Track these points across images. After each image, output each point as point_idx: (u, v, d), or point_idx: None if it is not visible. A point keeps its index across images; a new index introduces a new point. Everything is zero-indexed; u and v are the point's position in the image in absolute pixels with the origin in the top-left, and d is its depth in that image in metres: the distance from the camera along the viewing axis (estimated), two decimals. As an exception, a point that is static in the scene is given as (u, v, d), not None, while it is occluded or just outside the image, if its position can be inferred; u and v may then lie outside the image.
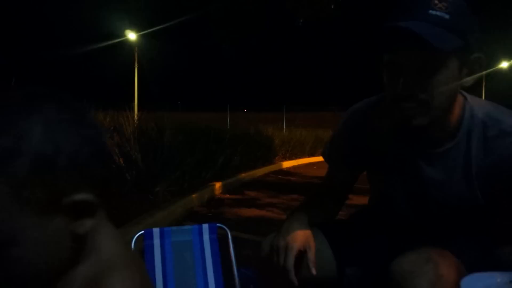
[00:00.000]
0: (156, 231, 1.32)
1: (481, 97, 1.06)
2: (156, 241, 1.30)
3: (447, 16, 0.80)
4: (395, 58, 0.85)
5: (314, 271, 0.96)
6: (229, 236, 1.36)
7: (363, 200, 1.22)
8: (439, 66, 0.82)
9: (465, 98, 0.96)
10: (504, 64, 25.43)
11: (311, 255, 0.98)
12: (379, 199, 1.13)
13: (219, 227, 1.39)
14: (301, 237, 0.99)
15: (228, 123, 12.65)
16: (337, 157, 1.14)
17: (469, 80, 0.89)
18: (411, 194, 1.00)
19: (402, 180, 1.00)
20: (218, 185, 5.15)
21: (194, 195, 4.28)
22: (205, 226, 1.38)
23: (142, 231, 1.30)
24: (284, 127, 14.38)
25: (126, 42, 17.00)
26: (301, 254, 0.98)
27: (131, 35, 16.98)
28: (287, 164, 9.82)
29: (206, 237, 1.36)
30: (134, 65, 16.54)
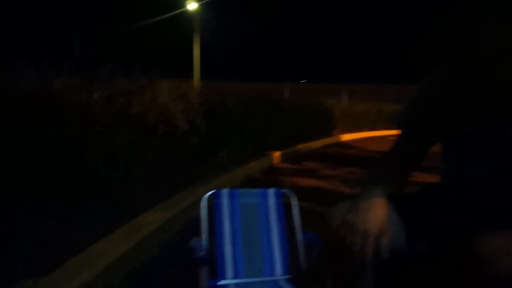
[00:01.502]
0: (225, 192, 1.39)
1: None
2: (225, 201, 1.37)
3: None
4: None
5: (387, 256, 0.96)
6: (294, 202, 1.39)
7: (427, 178, 1.18)
8: None
9: None
10: None
11: (385, 241, 0.97)
12: (456, 173, 1.08)
13: (284, 192, 1.43)
14: (379, 221, 0.98)
15: (288, 94, 12.57)
16: (415, 122, 1.10)
17: None
18: (494, 162, 0.95)
19: (486, 146, 0.96)
20: (276, 154, 5.22)
21: (253, 163, 4.39)
22: (271, 191, 1.42)
23: (213, 191, 1.37)
24: (345, 99, 13.98)
25: (186, 13, 17.30)
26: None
27: (192, 5, 17.23)
28: (346, 137, 9.63)
29: (272, 200, 1.41)
30: (194, 36, 16.89)
